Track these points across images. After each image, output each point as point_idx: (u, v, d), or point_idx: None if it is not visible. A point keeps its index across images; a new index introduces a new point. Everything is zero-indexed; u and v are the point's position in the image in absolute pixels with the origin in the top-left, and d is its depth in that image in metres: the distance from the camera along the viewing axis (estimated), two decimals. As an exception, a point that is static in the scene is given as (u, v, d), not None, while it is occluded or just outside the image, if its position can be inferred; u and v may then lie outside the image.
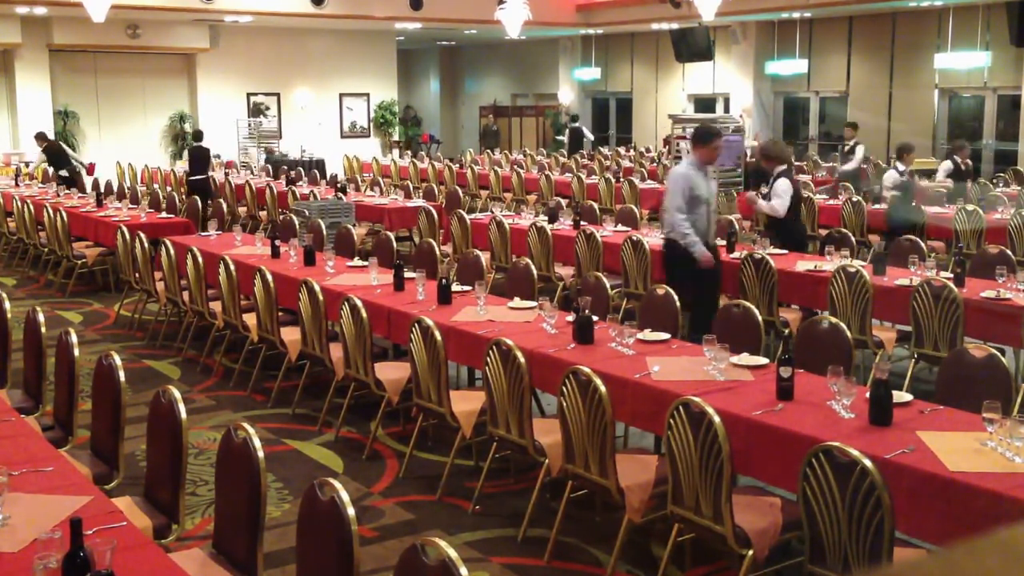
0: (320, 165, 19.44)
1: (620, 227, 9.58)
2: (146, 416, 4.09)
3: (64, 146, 16.25)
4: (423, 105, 27.43)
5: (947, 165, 12.32)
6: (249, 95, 21.00)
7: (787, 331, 6.92)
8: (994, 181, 14.03)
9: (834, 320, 5.33)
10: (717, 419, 3.67)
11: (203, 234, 9.46)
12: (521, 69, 26.35)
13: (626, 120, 24.25)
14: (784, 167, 8.16)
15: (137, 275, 8.67)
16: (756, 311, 5.59)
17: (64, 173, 15.05)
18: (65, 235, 10.50)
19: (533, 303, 6.21)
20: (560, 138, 22.98)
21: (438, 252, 8.47)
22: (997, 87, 17.76)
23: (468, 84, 28.24)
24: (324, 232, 9.30)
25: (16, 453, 3.76)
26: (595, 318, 5.34)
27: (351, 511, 2.93)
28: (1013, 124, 17.48)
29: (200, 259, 7.46)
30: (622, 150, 21.27)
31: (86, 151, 18.47)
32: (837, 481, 3.34)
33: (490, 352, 4.77)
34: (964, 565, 0.90)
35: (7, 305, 5.67)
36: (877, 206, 11.19)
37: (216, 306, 7.45)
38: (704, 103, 22.28)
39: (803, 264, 7.52)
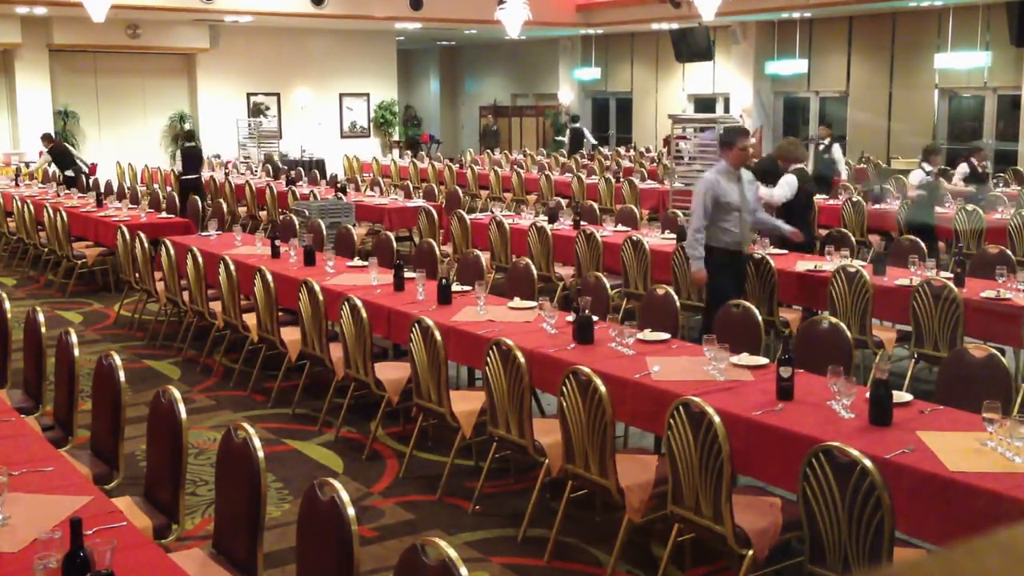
0: (320, 165, 19.44)
1: (620, 227, 9.58)
2: (146, 416, 4.09)
3: (69, 147, 16.29)
4: (423, 105, 27.43)
5: (963, 168, 12.25)
6: (249, 95, 21.00)
7: (787, 331, 6.92)
8: (994, 181, 14.02)
9: (834, 320, 5.33)
10: (717, 419, 3.67)
11: (203, 234, 9.46)
12: (521, 69, 26.35)
13: (626, 120, 24.24)
14: (799, 166, 8.34)
15: (137, 275, 8.67)
16: (756, 311, 5.59)
17: (69, 173, 15.09)
18: (65, 235, 10.50)
19: (533, 303, 6.21)
20: (560, 138, 22.98)
21: (438, 252, 8.48)
22: (997, 87, 17.76)
23: (468, 84, 28.24)
24: (324, 232, 9.30)
25: (16, 453, 3.76)
26: (595, 318, 5.34)
27: (351, 511, 2.93)
28: (1013, 124, 17.47)
29: (200, 259, 7.46)
30: (622, 150, 21.27)
31: (86, 151, 18.46)
32: (837, 481, 3.34)
33: (490, 352, 4.77)
34: (964, 565, 0.90)
35: (7, 305, 5.67)
36: (877, 206, 11.20)
37: (216, 306, 7.45)
38: (704, 103, 22.28)
39: (803, 264, 7.52)
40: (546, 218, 9.77)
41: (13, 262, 12.32)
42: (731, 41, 20.73)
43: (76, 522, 2.67)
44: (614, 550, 4.30)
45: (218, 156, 19.30)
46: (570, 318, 5.43)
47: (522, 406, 4.66)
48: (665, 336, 5.32)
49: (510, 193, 15.50)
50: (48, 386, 5.15)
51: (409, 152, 21.24)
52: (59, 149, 15.56)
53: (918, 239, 8.21)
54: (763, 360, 4.84)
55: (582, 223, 9.48)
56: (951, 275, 6.87)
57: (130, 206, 11.52)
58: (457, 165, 18.13)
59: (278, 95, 21.39)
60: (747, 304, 5.69)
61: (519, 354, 4.60)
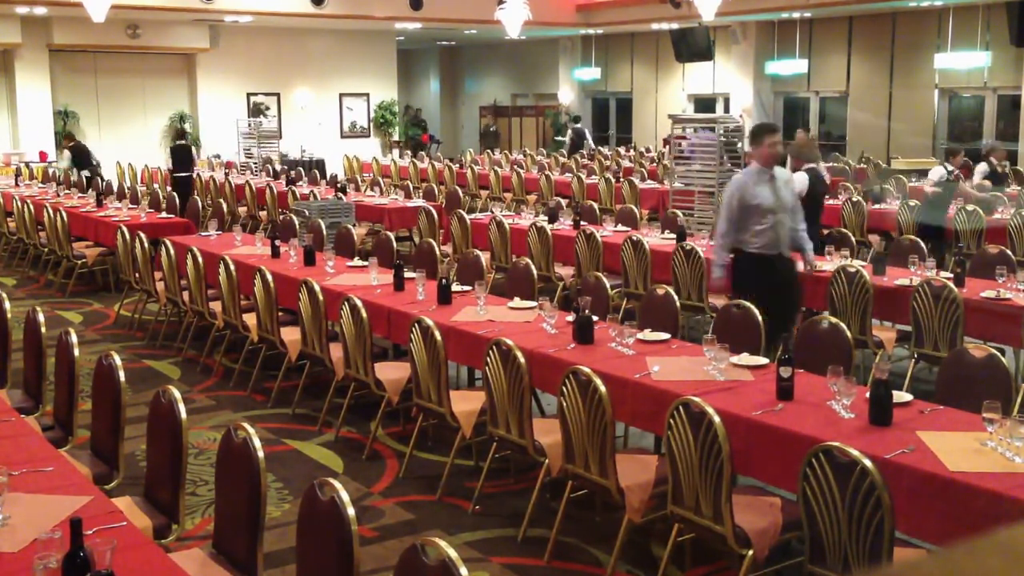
0: (320, 165, 19.44)
1: (620, 227, 9.58)
2: (146, 416, 4.09)
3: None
4: (423, 105, 27.42)
5: (983, 167, 12.19)
6: (249, 95, 21.00)
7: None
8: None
9: (834, 320, 5.33)
10: (717, 419, 3.67)
11: (203, 234, 9.46)
12: (521, 69, 26.35)
13: (626, 120, 24.25)
14: (812, 166, 8.38)
15: (137, 275, 8.67)
16: (756, 311, 5.59)
17: (86, 174, 15.15)
18: (65, 235, 10.50)
19: (533, 303, 6.21)
20: (560, 138, 22.98)
21: (438, 252, 8.48)
22: (997, 87, 17.76)
23: (468, 84, 28.25)
24: (324, 232, 9.30)
25: (16, 453, 3.76)
26: (595, 318, 5.34)
27: (351, 511, 2.93)
28: (1013, 124, 17.48)
29: (200, 259, 7.46)
30: (622, 150, 21.27)
31: (86, 151, 18.48)
32: (837, 481, 3.34)
33: (490, 352, 4.77)
34: (964, 565, 0.90)
35: (7, 305, 5.67)
36: (877, 206, 11.20)
37: (216, 306, 7.45)
38: (704, 103, 22.29)
39: (803, 264, 7.51)
40: (546, 218, 9.77)
41: (13, 262, 12.32)
42: (731, 41, 20.74)
43: (76, 522, 2.67)
44: (614, 550, 4.30)
45: (218, 156, 19.31)
46: (570, 318, 5.43)
47: (522, 406, 4.66)
48: (665, 336, 5.32)
49: (510, 193, 15.50)
50: (48, 386, 5.15)
51: (409, 152, 21.23)
52: (80, 148, 15.63)
53: (924, 238, 8.20)
54: (763, 360, 4.83)
55: (582, 223, 9.48)
56: (951, 275, 6.87)
57: (130, 206, 11.52)
58: (457, 165, 18.13)
59: (278, 95, 21.39)
60: (748, 304, 5.69)
61: (519, 354, 4.60)
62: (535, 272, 7.26)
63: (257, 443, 3.35)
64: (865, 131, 19.36)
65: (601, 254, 8.44)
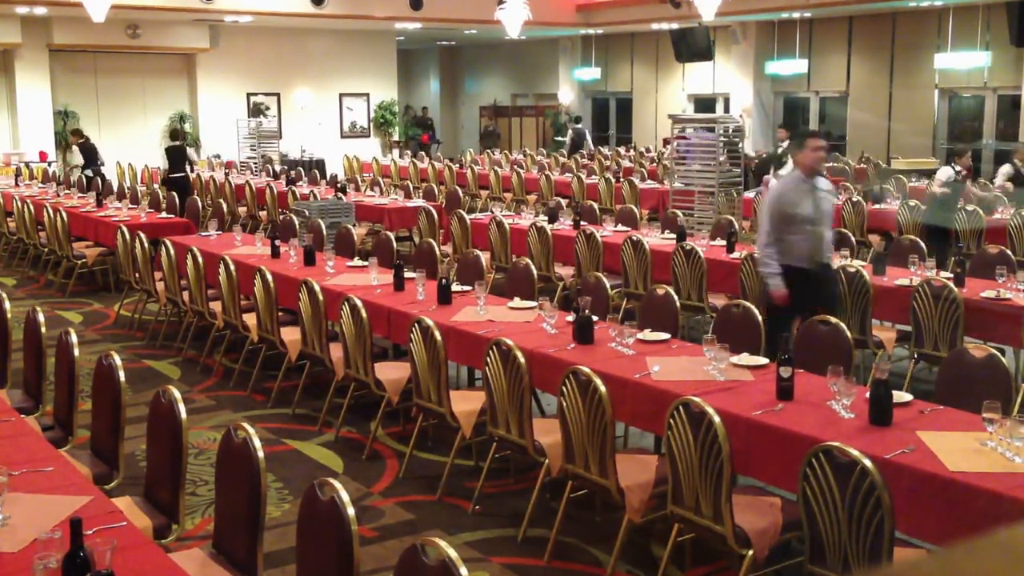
0: (320, 165, 19.44)
1: (620, 227, 9.59)
2: (146, 416, 4.09)
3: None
4: (423, 105, 27.43)
5: (1007, 169, 12.15)
6: (249, 95, 21.00)
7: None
8: (994, 181, 14.00)
9: (834, 320, 5.33)
10: (717, 419, 3.67)
11: (203, 234, 9.46)
12: (521, 69, 26.35)
13: (626, 120, 24.25)
14: None
15: (137, 275, 8.67)
16: (756, 311, 5.59)
17: (89, 173, 15.16)
18: (65, 235, 10.50)
19: (533, 303, 6.21)
20: (560, 138, 22.98)
21: (438, 252, 8.48)
22: (997, 87, 17.76)
23: (468, 84, 28.25)
24: (324, 232, 9.30)
25: (16, 453, 3.76)
26: (595, 318, 5.34)
27: (351, 511, 2.93)
28: (1013, 124, 17.47)
29: (200, 259, 7.46)
30: (622, 150, 21.27)
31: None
32: (837, 481, 3.34)
33: (490, 352, 4.77)
34: (964, 565, 0.90)
35: (7, 305, 5.67)
36: (877, 206, 11.19)
37: (216, 306, 7.45)
38: (704, 103, 22.29)
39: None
40: (546, 218, 9.77)
41: (13, 262, 12.32)
42: (731, 41, 20.74)
43: (76, 522, 2.67)
44: (614, 550, 4.30)
45: (218, 156, 19.31)
46: (570, 318, 5.43)
47: (522, 406, 4.66)
48: (665, 336, 5.32)
49: (510, 193, 15.50)
50: (48, 386, 5.15)
51: (409, 152, 21.23)
52: (88, 146, 15.65)
53: (929, 239, 8.19)
54: (763, 360, 4.84)
55: (582, 223, 9.48)
56: (951, 275, 6.87)
57: (130, 206, 11.52)
58: (457, 165, 18.13)
59: (278, 95, 21.39)
60: (747, 304, 5.69)
61: (519, 354, 4.60)
62: (535, 272, 7.26)
63: (257, 443, 3.35)
64: (865, 131, 19.36)
65: (601, 254, 8.44)
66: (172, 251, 8.08)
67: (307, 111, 21.63)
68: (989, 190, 11.40)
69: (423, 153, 21.69)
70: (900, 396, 4.12)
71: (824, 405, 4.11)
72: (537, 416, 5.43)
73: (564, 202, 12.10)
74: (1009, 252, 7.78)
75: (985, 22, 17.25)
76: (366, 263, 7.47)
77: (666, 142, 18.04)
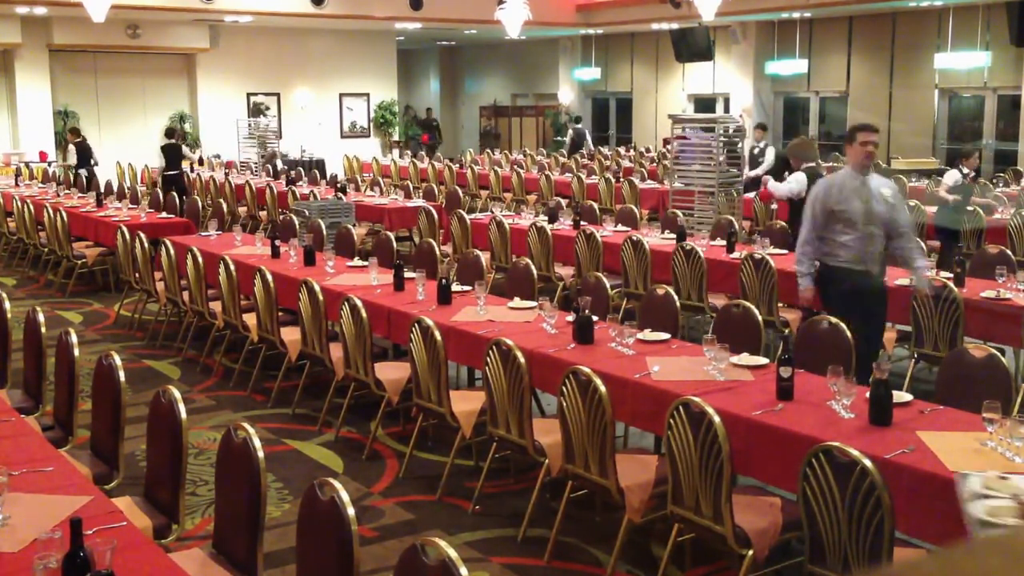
0: (320, 165, 19.44)
1: (620, 227, 9.59)
2: (146, 416, 4.09)
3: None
4: (423, 105, 27.43)
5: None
6: (249, 95, 21.00)
7: (787, 331, 6.91)
8: (994, 181, 14.01)
9: (834, 320, 5.32)
10: (717, 419, 3.67)
11: (203, 234, 9.46)
12: (521, 69, 26.35)
13: (626, 120, 24.25)
14: (811, 165, 8.41)
15: (137, 275, 8.67)
16: (756, 311, 5.59)
17: (83, 172, 15.18)
18: (65, 235, 10.50)
19: (533, 303, 6.21)
20: (560, 138, 22.98)
21: (438, 252, 8.48)
22: (997, 87, 17.76)
23: (468, 84, 28.24)
24: (324, 232, 9.30)
25: (16, 453, 3.76)
26: (595, 318, 5.34)
27: (351, 511, 2.93)
28: (1013, 124, 17.48)
29: (200, 259, 7.47)
30: (622, 150, 21.27)
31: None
32: (837, 481, 3.34)
33: (490, 352, 4.77)
34: (964, 565, 0.90)
35: (7, 305, 5.68)
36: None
37: (216, 306, 7.45)
38: (704, 103, 22.29)
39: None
40: (546, 218, 9.77)
41: (13, 262, 12.32)
42: (731, 41, 20.73)
43: (76, 522, 2.67)
44: (614, 550, 4.30)
45: (218, 156, 19.30)
46: (570, 318, 5.43)
47: (522, 406, 4.66)
48: (665, 336, 5.32)
49: (510, 193, 15.50)
50: (48, 386, 5.16)
51: (409, 152, 21.22)
52: (84, 146, 15.67)
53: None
54: (763, 360, 4.84)
55: (582, 223, 9.48)
56: (951, 275, 6.86)
57: (130, 206, 11.52)
58: (457, 165, 18.13)
59: (278, 95, 21.39)
60: (747, 304, 5.68)
61: (519, 354, 4.60)
62: (535, 272, 7.26)
63: (257, 443, 3.35)
64: (865, 131, 19.32)
65: (601, 254, 8.44)
66: (172, 251, 8.08)
67: (307, 111, 21.63)
68: (990, 191, 11.38)
69: (423, 153, 21.69)
70: (900, 396, 4.13)
71: (824, 405, 4.11)
72: (537, 416, 5.43)
73: (564, 202, 12.10)
74: (1009, 252, 7.79)
75: (985, 22, 17.25)
76: (366, 263, 7.47)
77: (666, 142, 18.02)
